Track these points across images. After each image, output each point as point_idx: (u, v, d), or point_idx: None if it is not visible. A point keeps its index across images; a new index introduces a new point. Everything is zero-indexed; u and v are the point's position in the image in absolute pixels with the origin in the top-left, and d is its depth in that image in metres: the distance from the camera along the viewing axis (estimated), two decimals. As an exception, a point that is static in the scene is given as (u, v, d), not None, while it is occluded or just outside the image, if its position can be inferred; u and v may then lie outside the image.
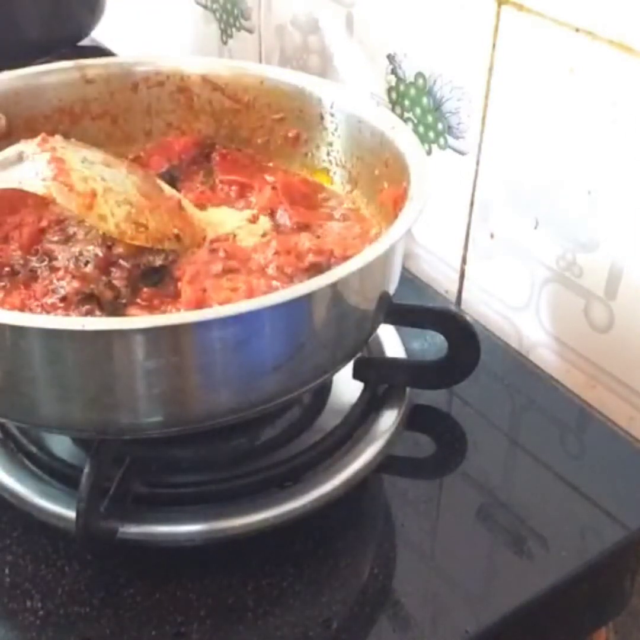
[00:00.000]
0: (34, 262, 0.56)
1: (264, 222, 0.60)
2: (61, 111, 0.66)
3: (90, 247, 0.55)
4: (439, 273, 0.76)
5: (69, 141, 0.58)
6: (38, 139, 0.56)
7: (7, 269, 0.56)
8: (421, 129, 0.73)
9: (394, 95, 0.75)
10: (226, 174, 0.66)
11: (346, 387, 0.60)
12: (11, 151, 0.55)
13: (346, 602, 0.50)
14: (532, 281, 0.68)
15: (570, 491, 0.57)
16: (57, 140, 0.57)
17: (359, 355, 0.56)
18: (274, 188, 0.63)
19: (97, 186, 0.54)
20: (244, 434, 0.57)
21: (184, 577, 0.51)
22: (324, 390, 0.60)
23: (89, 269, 0.54)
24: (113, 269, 0.54)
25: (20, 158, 0.55)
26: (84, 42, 0.97)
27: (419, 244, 0.77)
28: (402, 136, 0.58)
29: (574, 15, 0.58)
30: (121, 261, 0.54)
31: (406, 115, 0.74)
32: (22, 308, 0.52)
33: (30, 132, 0.64)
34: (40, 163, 0.54)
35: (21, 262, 0.56)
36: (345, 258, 0.52)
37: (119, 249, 0.55)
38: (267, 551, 0.52)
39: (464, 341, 0.57)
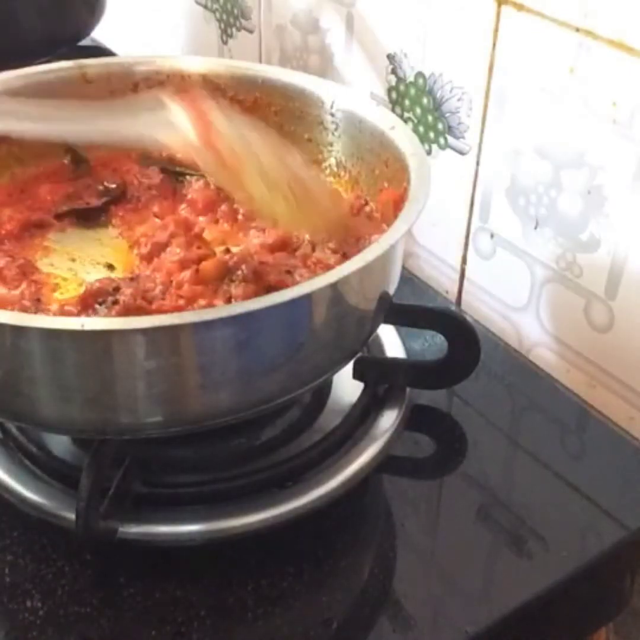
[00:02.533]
0: None
1: None
2: (61, 111, 0.66)
3: None
4: (439, 273, 0.76)
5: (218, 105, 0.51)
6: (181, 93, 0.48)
7: None
8: (421, 129, 0.73)
9: (394, 95, 0.75)
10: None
11: (346, 387, 0.60)
12: (149, 97, 0.48)
13: (346, 602, 0.50)
14: (532, 281, 0.68)
15: (570, 491, 0.57)
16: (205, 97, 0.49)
17: (359, 355, 0.56)
18: None
19: (241, 152, 0.47)
20: (244, 434, 0.57)
21: (184, 577, 0.51)
22: (324, 390, 0.60)
23: None
24: None
25: (159, 105, 0.47)
26: (84, 42, 0.97)
27: (419, 244, 0.77)
28: (402, 136, 0.58)
29: (574, 15, 0.58)
30: None
31: (406, 115, 0.74)
32: None
33: (30, 132, 0.64)
34: (181, 117, 0.46)
35: None
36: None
37: None
38: (267, 551, 0.52)
39: (464, 341, 0.57)
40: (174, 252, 0.56)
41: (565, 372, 0.67)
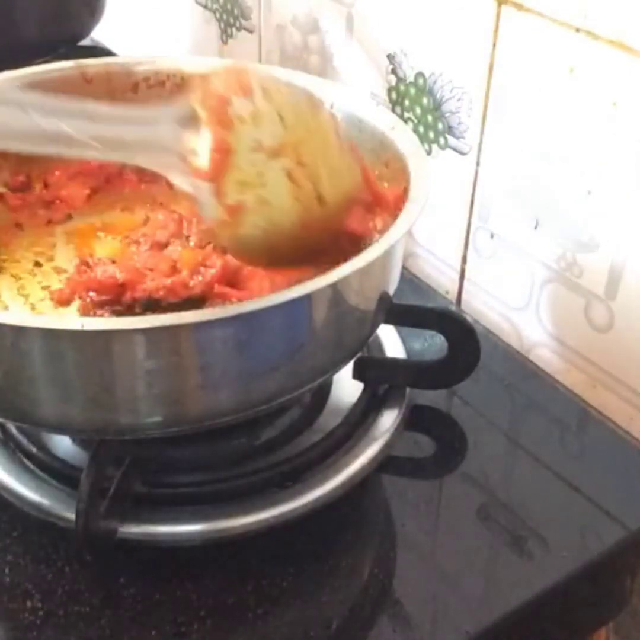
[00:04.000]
0: None
1: None
2: (61, 111, 0.66)
3: None
4: (439, 273, 0.76)
5: (271, 86, 0.45)
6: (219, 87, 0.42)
7: None
8: (421, 129, 0.73)
9: (394, 95, 0.75)
10: None
11: (346, 387, 0.60)
12: (183, 108, 0.43)
13: (346, 602, 0.50)
14: (532, 281, 0.68)
15: (570, 491, 0.57)
16: (255, 86, 0.43)
17: (359, 355, 0.56)
18: None
19: (249, 198, 0.43)
20: (244, 434, 0.57)
21: (184, 577, 0.51)
22: (324, 390, 0.60)
23: None
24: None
25: (188, 122, 0.42)
26: (84, 42, 0.97)
27: (419, 244, 0.77)
28: (402, 136, 0.58)
29: (574, 15, 0.58)
30: None
31: (406, 115, 0.74)
32: None
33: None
34: (203, 142, 0.41)
35: None
36: None
37: None
38: (267, 551, 0.52)
39: (464, 341, 0.57)
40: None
41: (565, 372, 0.67)
